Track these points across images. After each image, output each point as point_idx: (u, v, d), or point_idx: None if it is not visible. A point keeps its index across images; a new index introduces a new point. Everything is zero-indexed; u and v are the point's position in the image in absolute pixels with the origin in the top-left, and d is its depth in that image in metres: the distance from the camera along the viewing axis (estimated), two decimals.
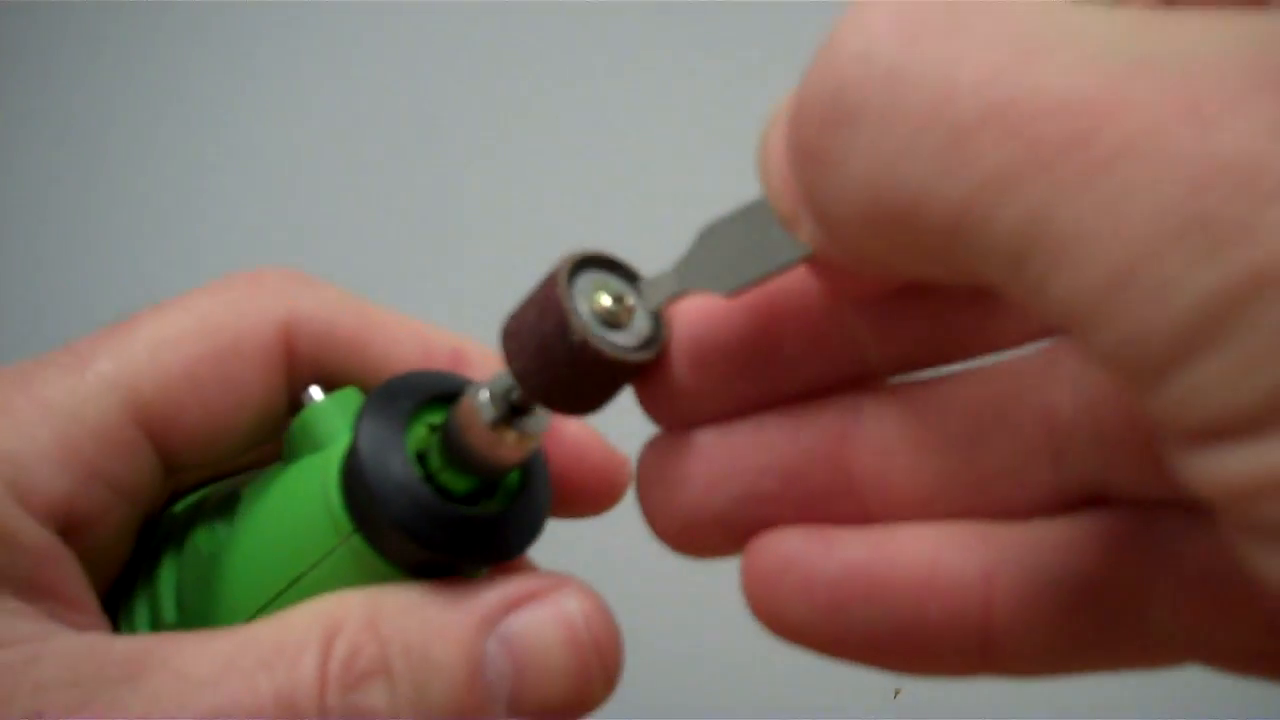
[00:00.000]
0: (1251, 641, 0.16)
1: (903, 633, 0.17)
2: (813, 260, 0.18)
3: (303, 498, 0.23)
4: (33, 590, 0.21)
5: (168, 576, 0.25)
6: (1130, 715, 0.59)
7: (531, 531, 0.22)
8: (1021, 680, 0.18)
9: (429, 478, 0.22)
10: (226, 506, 0.25)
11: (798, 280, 0.19)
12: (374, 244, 0.63)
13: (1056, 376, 0.17)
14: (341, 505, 0.22)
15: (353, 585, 0.22)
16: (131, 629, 0.25)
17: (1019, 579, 0.17)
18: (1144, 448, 0.16)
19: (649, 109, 0.64)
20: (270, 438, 0.25)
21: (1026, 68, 0.12)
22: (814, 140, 0.14)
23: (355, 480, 0.21)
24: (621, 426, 0.23)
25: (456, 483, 0.22)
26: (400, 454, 0.21)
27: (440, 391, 0.23)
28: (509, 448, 0.21)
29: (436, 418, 0.23)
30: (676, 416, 0.20)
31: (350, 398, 0.24)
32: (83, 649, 0.20)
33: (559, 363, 0.19)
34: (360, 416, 0.22)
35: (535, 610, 0.21)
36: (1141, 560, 0.17)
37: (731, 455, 0.19)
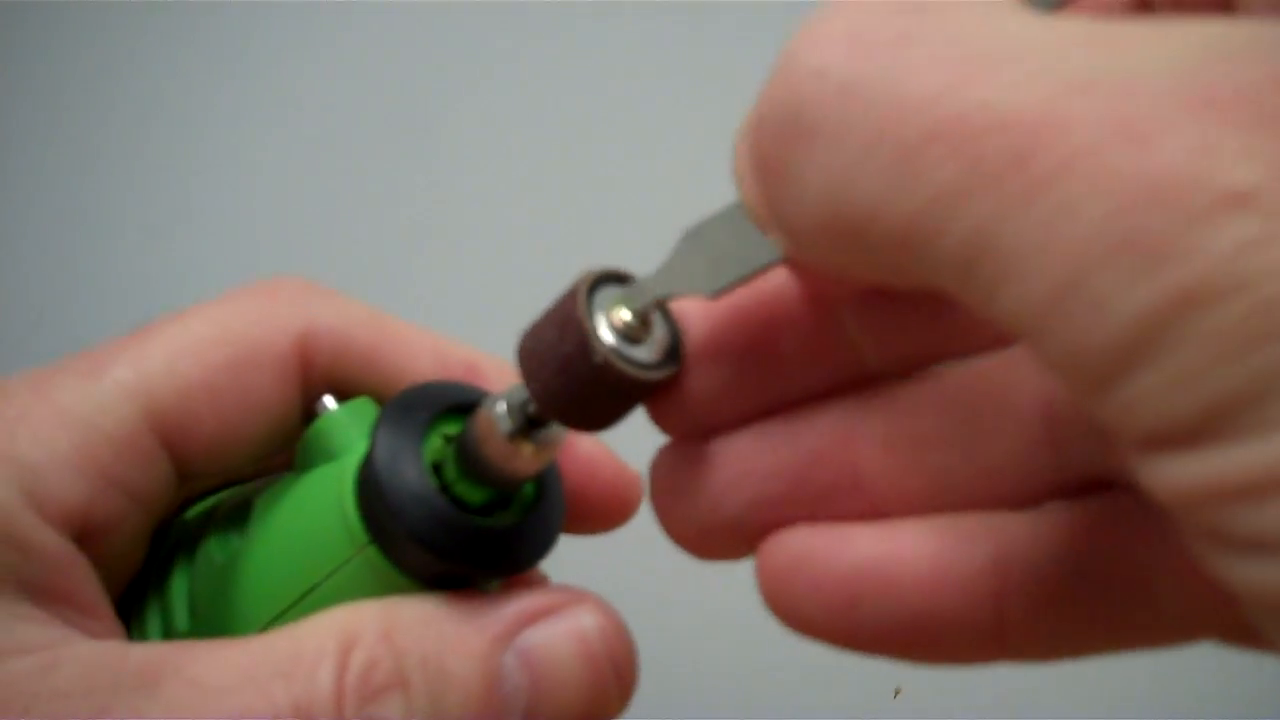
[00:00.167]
0: None
1: (917, 624, 0.17)
2: (789, 262, 0.18)
3: (318, 508, 0.23)
4: (49, 597, 0.21)
5: (179, 584, 0.25)
6: (1130, 715, 0.59)
7: (545, 543, 0.22)
8: (1035, 664, 0.18)
9: (444, 489, 0.22)
10: (239, 515, 0.25)
11: (790, 285, 0.19)
12: (375, 247, 0.63)
13: None
14: (357, 516, 0.22)
15: (367, 596, 0.22)
16: (143, 637, 0.25)
17: (1028, 566, 0.17)
18: None
19: (648, 109, 0.64)
20: (284, 447, 0.25)
21: (972, 85, 0.13)
22: (771, 154, 0.14)
23: (371, 491, 0.21)
24: (633, 441, 0.23)
25: (472, 494, 0.22)
26: (416, 465, 0.21)
27: (456, 402, 0.23)
28: (525, 460, 0.21)
29: (452, 429, 0.23)
30: (685, 425, 0.20)
31: (364, 408, 0.24)
32: (99, 656, 0.20)
33: (580, 382, 0.19)
34: (377, 426, 0.22)
35: (552, 625, 0.21)
36: (1146, 540, 0.17)
37: (739, 462, 0.19)
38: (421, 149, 0.65)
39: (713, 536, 0.20)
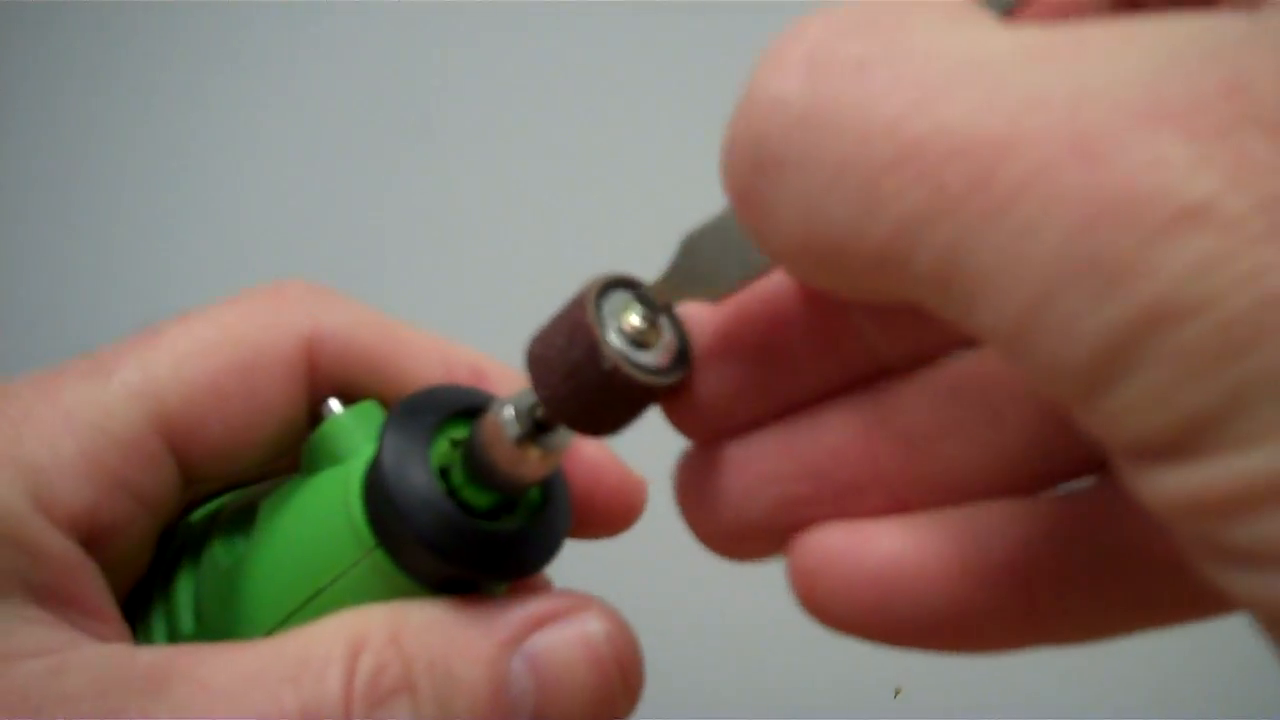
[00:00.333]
0: None
1: (949, 615, 0.17)
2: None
3: (324, 511, 0.23)
4: (56, 600, 0.21)
5: (184, 587, 0.25)
6: (1130, 715, 0.59)
7: (551, 548, 0.23)
8: (1069, 647, 0.18)
9: (451, 493, 0.22)
10: (244, 519, 0.25)
11: (794, 283, 0.19)
12: (376, 249, 0.63)
13: None
14: (364, 519, 0.22)
15: (373, 600, 0.22)
16: (149, 640, 0.25)
17: (1055, 548, 0.17)
18: None
19: (652, 107, 0.64)
20: (290, 450, 0.25)
21: (930, 108, 0.13)
22: (742, 184, 0.15)
23: (379, 494, 0.21)
24: (637, 446, 0.23)
25: (478, 498, 0.22)
26: (424, 469, 0.21)
27: (463, 407, 0.23)
28: (532, 464, 0.21)
29: (459, 433, 0.23)
30: (704, 429, 0.20)
31: (370, 411, 0.24)
32: (107, 660, 0.20)
33: (589, 388, 0.19)
34: (384, 430, 0.22)
35: (559, 629, 0.21)
36: None
37: (761, 464, 0.19)
38: (423, 149, 0.65)
39: (740, 538, 0.20)
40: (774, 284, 0.19)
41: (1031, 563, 0.17)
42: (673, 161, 0.63)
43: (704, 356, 0.20)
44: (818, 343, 0.19)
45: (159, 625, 0.25)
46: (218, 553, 0.25)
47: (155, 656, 0.20)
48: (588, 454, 0.25)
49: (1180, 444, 0.12)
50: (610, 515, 0.25)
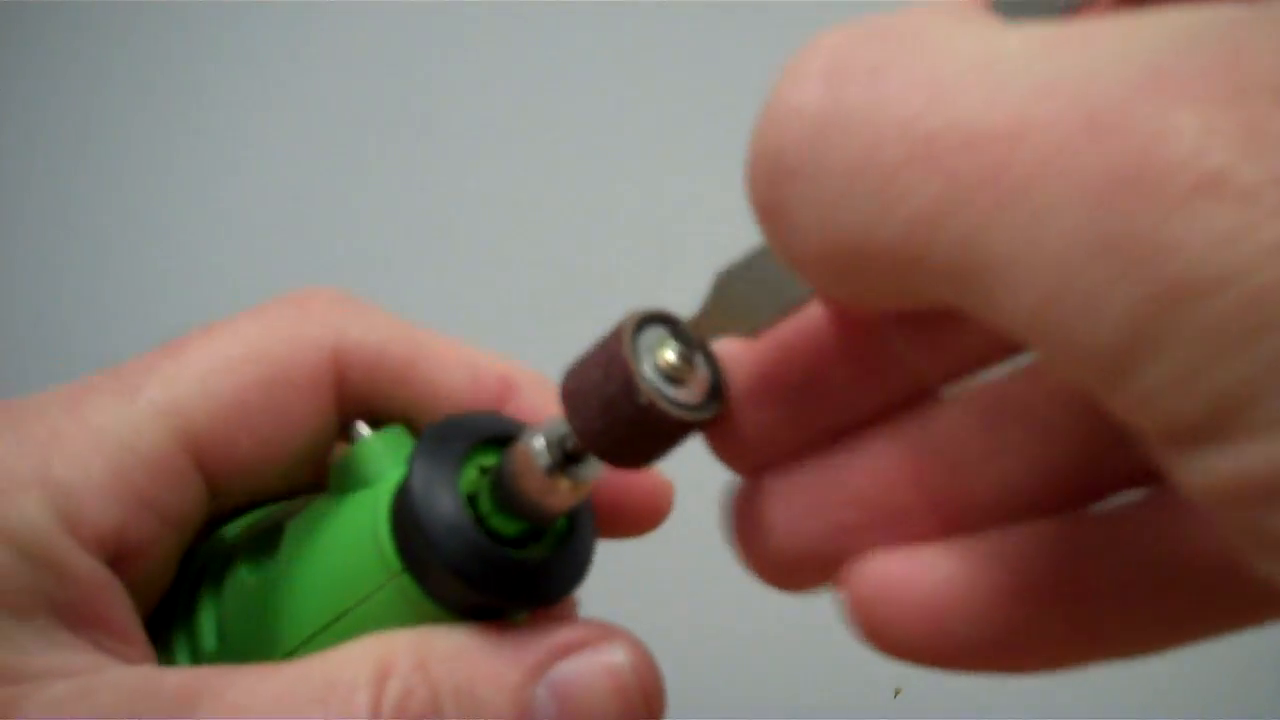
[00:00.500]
0: None
1: (1007, 637, 0.17)
2: (821, 295, 0.18)
3: (352, 534, 0.23)
4: (83, 622, 0.21)
5: (208, 607, 0.25)
6: (1131, 715, 0.59)
7: (576, 577, 0.23)
8: (1134, 660, 0.18)
9: (479, 520, 0.22)
10: (271, 538, 0.25)
11: (829, 312, 0.19)
12: (384, 251, 0.63)
13: None
14: (391, 543, 0.22)
15: (398, 624, 0.22)
16: (171, 659, 0.25)
17: (1110, 564, 0.17)
18: None
19: (662, 110, 0.64)
20: (317, 465, 0.25)
21: (941, 105, 0.13)
22: (764, 196, 0.15)
23: (406, 519, 0.22)
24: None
25: (506, 526, 0.22)
26: (453, 495, 0.22)
27: (493, 434, 0.23)
28: (561, 495, 0.21)
29: (488, 460, 0.23)
30: (749, 462, 0.20)
31: (398, 435, 0.24)
32: (136, 681, 0.20)
33: (623, 422, 0.19)
34: (413, 455, 0.22)
35: (584, 658, 0.21)
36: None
37: (808, 494, 0.19)
38: (422, 149, 0.65)
39: (791, 569, 0.20)
40: (810, 316, 0.19)
41: (1085, 579, 0.17)
42: (676, 159, 0.63)
43: (744, 392, 0.20)
44: (857, 370, 0.19)
45: (181, 645, 0.26)
46: (243, 571, 0.25)
47: (183, 677, 0.20)
48: None
49: (1214, 426, 0.12)
50: (639, 515, 0.25)
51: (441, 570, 0.21)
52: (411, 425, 0.25)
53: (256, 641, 0.24)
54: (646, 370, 0.19)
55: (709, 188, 0.59)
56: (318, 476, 0.25)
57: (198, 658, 0.25)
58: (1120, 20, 0.13)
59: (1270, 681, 0.57)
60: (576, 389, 0.20)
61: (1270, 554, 0.12)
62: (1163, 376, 0.12)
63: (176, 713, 0.20)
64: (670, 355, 0.19)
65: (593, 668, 0.21)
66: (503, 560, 0.21)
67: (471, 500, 0.22)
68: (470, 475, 0.22)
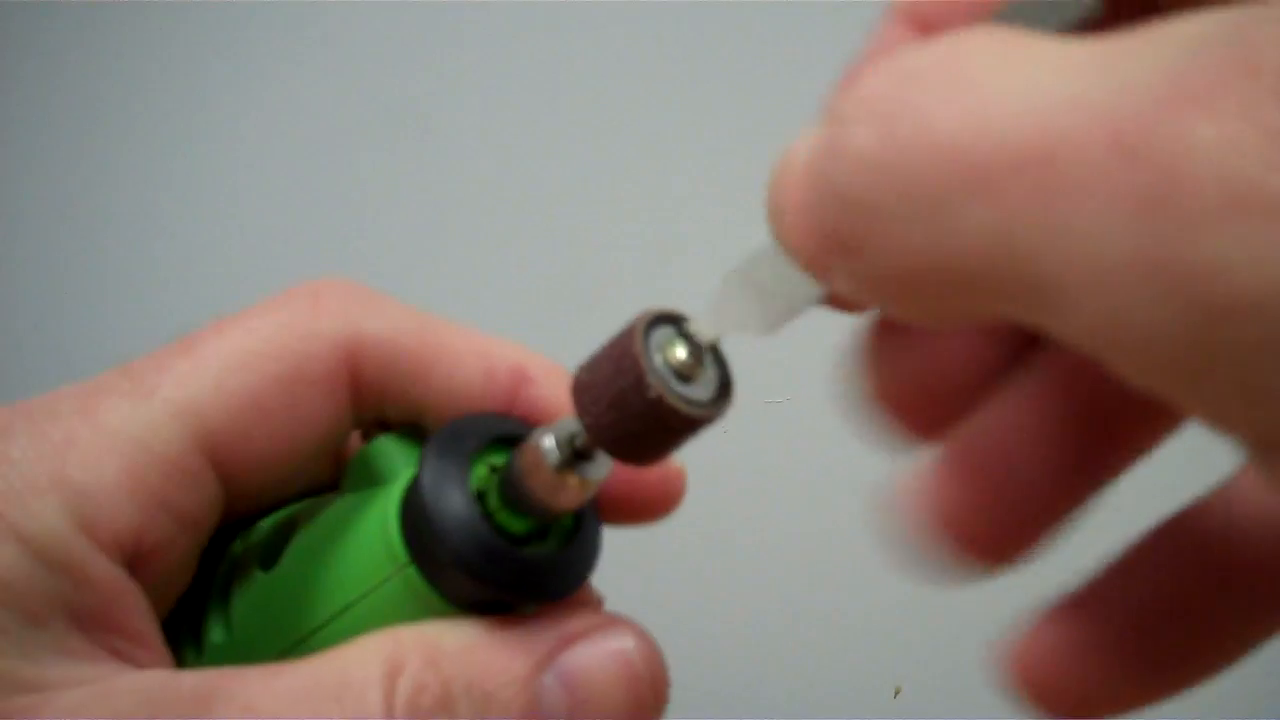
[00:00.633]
0: None
1: (1139, 673, 0.17)
2: (834, 297, 0.18)
3: (360, 527, 0.23)
4: (99, 626, 0.21)
5: (217, 604, 0.26)
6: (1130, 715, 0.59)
7: (582, 574, 0.23)
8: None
9: (487, 516, 0.22)
10: (282, 537, 0.25)
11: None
12: (378, 249, 0.64)
13: None
14: (399, 536, 0.22)
15: (404, 617, 0.22)
16: (181, 659, 0.25)
17: (1196, 577, 0.17)
18: None
19: (649, 108, 0.64)
20: (332, 461, 0.25)
21: (987, 132, 0.13)
22: (832, 235, 0.15)
23: (416, 513, 0.22)
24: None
25: (513, 523, 0.22)
26: (462, 491, 0.22)
27: (503, 434, 0.23)
28: (570, 492, 0.21)
29: (498, 459, 0.23)
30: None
31: (411, 435, 0.25)
32: (153, 684, 0.20)
33: (633, 417, 0.20)
34: (424, 452, 0.22)
35: (591, 646, 0.22)
36: None
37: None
38: (422, 148, 0.65)
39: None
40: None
41: (1181, 601, 0.17)
42: (674, 158, 0.63)
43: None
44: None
45: (189, 641, 0.26)
46: (253, 569, 0.25)
47: (198, 680, 0.21)
48: None
49: None
50: (651, 502, 0.25)
51: (448, 563, 0.21)
52: (425, 418, 0.25)
53: (264, 634, 0.24)
54: (657, 366, 0.20)
55: (716, 183, 0.59)
56: (334, 475, 0.25)
57: (206, 652, 0.25)
58: (1147, 28, 0.13)
59: (1270, 681, 0.58)
60: (588, 384, 0.20)
61: None
62: (1229, 390, 0.12)
63: (193, 715, 0.20)
64: (680, 353, 0.20)
65: (600, 655, 0.22)
66: (509, 556, 0.22)
67: (480, 497, 0.22)
68: (480, 473, 0.23)
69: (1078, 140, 0.12)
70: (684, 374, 0.20)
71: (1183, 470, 0.22)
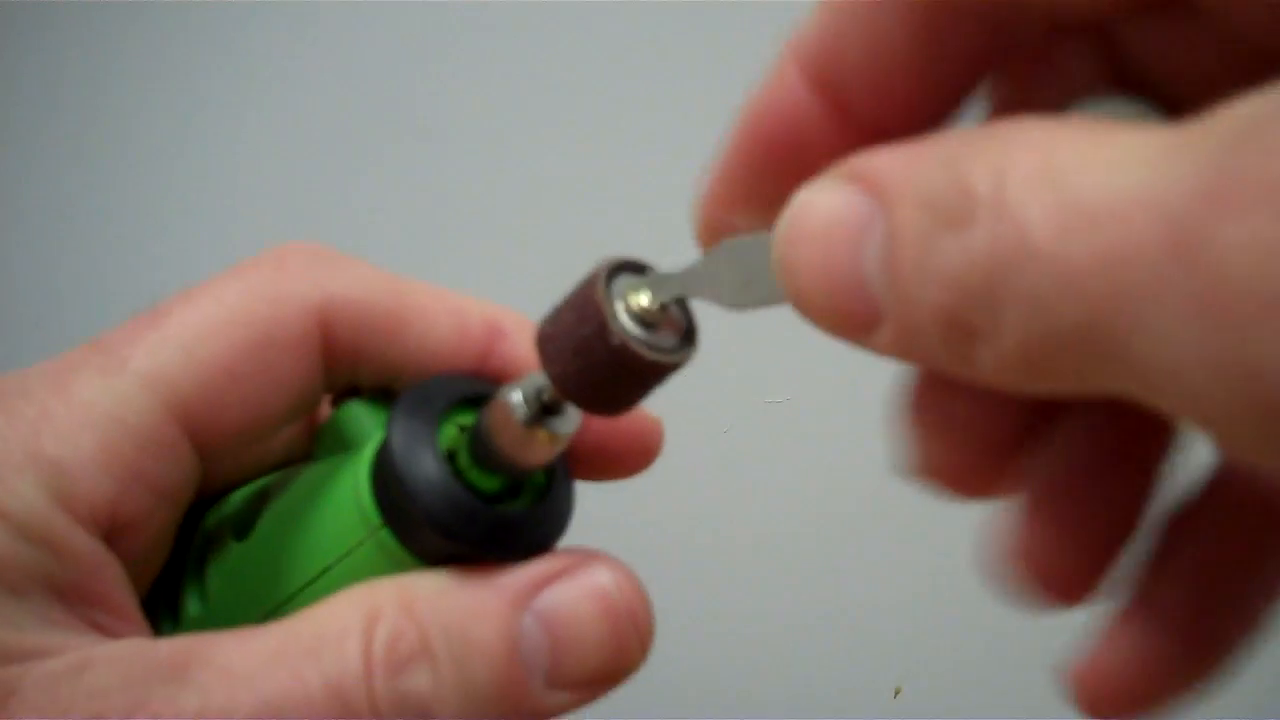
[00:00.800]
0: None
1: (1194, 666, 0.18)
2: None
3: (332, 492, 0.23)
4: (79, 599, 0.21)
5: (193, 577, 0.26)
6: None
7: (557, 529, 0.23)
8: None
9: (457, 475, 0.22)
10: (255, 508, 0.25)
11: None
12: (376, 248, 0.64)
13: None
14: (371, 499, 0.22)
15: (379, 578, 0.22)
16: (160, 633, 0.25)
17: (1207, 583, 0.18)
18: None
19: (646, 107, 0.64)
20: (306, 429, 0.25)
21: (1071, 234, 0.13)
22: (947, 324, 0.15)
23: (387, 474, 0.22)
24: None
25: (484, 482, 0.22)
26: (431, 451, 0.22)
27: (471, 394, 0.23)
28: (539, 447, 0.21)
29: (467, 419, 0.23)
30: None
31: (381, 399, 0.25)
32: (129, 652, 0.20)
33: (598, 364, 0.20)
34: (392, 414, 0.22)
35: (568, 585, 0.22)
36: None
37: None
38: (421, 147, 0.65)
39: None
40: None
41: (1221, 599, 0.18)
42: (674, 158, 0.63)
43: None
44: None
45: (166, 615, 0.26)
46: (227, 540, 0.25)
47: (174, 646, 0.21)
48: None
49: None
50: (628, 455, 0.25)
51: (420, 523, 0.21)
52: (399, 378, 0.25)
53: (240, 604, 0.24)
54: (620, 313, 0.20)
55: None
56: (307, 448, 0.25)
57: (182, 624, 0.25)
58: (1212, 112, 0.13)
59: (1270, 681, 0.58)
60: (551, 334, 0.20)
61: None
62: None
63: (171, 679, 0.20)
64: (643, 300, 0.20)
65: (577, 593, 0.22)
66: (481, 513, 0.22)
67: (451, 457, 0.22)
68: (449, 433, 0.23)
69: (1143, 243, 0.12)
70: (647, 320, 0.20)
71: None
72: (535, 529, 0.23)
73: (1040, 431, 0.19)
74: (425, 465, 0.22)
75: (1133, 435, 0.18)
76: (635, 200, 0.62)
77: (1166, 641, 0.18)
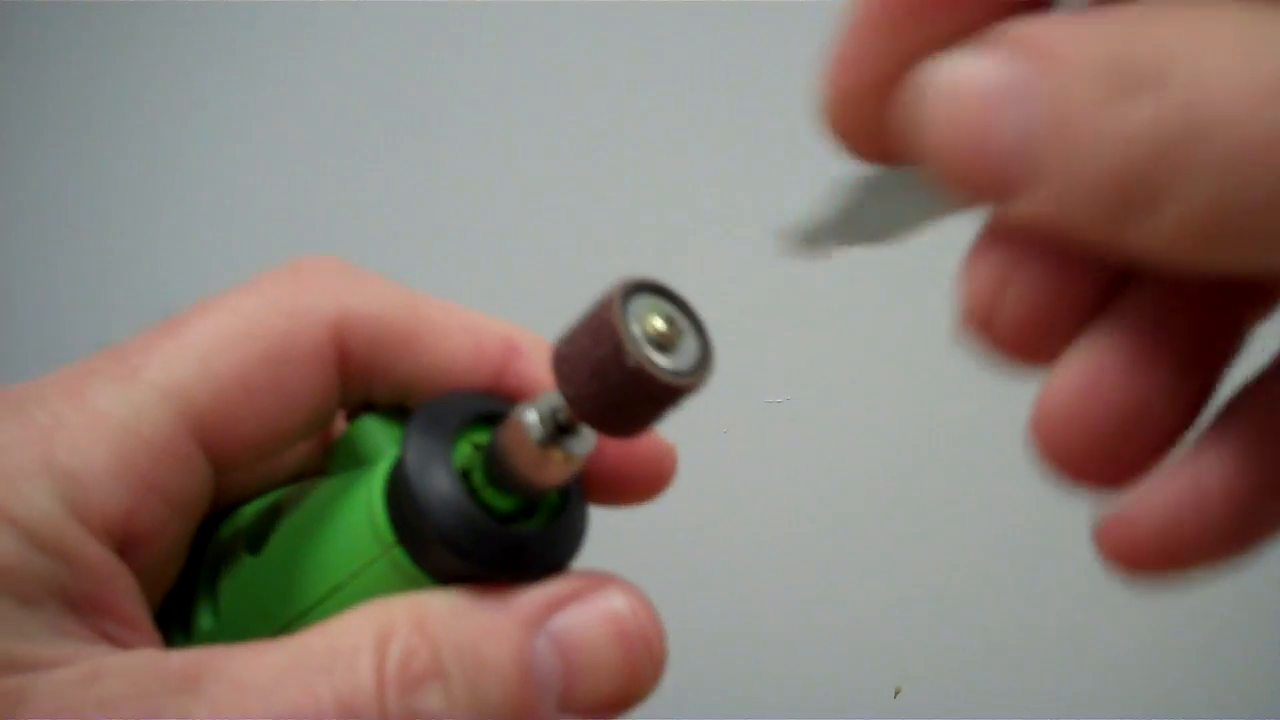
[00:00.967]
0: None
1: (1234, 526, 0.18)
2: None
3: (346, 509, 0.23)
4: (92, 610, 0.21)
5: (205, 590, 0.26)
6: (1130, 715, 0.59)
7: (570, 550, 0.23)
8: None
9: (472, 494, 0.22)
10: (268, 522, 0.25)
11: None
12: (376, 248, 0.64)
13: None
14: (385, 516, 0.22)
15: (392, 595, 0.22)
16: (172, 645, 0.25)
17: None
18: None
19: (646, 106, 0.64)
20: (322, 439, 0.25)
21: (1272, 101, 0.14)
22: (1124, 201, 0.15)
23: (401, 492, 0.22)
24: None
25: (499, 501, 0.22)
26: (446, 469, 0.22)
27: (486, 412, 0.23)
28: (554, 468, 0.21)
29: (481, 437, 0.23)
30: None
31: (396, 415, 0.25)
32: (141, 663, 0.20)
33: (613, 387, 0.20)
34: (407, 431, 0.22)
35: (582, 608, 0.22)
36: None
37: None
38: (420, 147, 0.65)
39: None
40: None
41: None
42: (673, 158, 0.63)
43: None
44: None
45: (178, 627, 0.26)
46: (240, 554, 0.25)
47: (186, 657, 0.21)
48: None
49: None
50: (642, 480, 0.25)
51: (434, 542, 0.21)
52: (413, 395, 0.25)
53: (252, 618, 0.24)
54: (635, 335, 0.20)
55: (715, 182, 0.60)
56: (321, 461, 0.25)
57: (194, 637, 0.25)
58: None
59: (1270, 681, 0.58)
60: (567, 355, 0.20)
61: None
62: None
63: (184, 690, 0.20)
64: (658, 322, 0.20)
65: (592, 616, 0.22)
66: (496, 533, 0.22)
67: (465, 475, 0.22)
68: (464, 451, 0.23)
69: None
70: (663, 343, 0.20)
71: None
72: (549, 550, 0.23)
73: (1110, 301, 0.18)
74: (440, 483, 0.22)
75: (1211, 312, 0.18)
76: (638, 200, 0.62)
77: (1207, 506, 0.18)
